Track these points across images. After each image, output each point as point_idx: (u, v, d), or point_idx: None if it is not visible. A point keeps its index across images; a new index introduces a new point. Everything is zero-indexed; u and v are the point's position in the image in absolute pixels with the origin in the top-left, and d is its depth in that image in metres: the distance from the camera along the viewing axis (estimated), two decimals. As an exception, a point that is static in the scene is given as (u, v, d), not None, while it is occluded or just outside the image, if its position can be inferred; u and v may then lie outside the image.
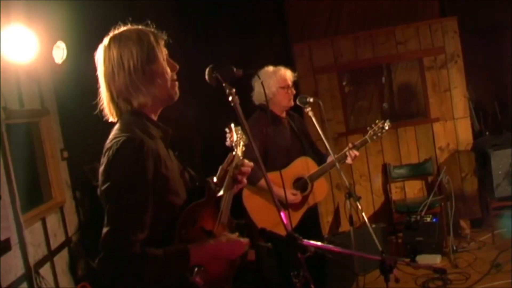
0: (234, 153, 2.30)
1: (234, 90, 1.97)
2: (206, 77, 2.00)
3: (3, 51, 3.86)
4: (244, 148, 2.32)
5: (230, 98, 1.97)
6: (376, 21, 6.43)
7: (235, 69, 2.00)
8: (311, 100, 3.85)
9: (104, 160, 1.80)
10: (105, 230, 1.70)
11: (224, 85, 1.97)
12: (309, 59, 6.27)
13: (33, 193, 4.93)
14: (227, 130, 2.43)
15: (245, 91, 2.90)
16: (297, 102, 3.92)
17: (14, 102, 4.52)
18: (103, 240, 1.69)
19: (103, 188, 1.77)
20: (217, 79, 1.97)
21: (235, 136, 2.37)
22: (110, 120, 1.96)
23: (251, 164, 2.26)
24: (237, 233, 2.04)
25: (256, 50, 5.91)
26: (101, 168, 1.81)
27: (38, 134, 5.15)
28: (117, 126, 1.91)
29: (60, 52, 4.28)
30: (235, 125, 2.38)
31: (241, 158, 2.27)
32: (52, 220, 5.00)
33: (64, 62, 4.30)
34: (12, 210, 4.11)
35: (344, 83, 6.51)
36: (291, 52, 6.29)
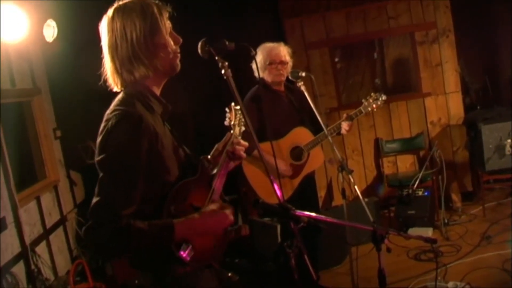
0: (231, 132, 2.32)
1: (226, 63, 2.00)
2: (199, 50, 2.02)
3: (-7, 30, 3.83)
4: (243, 128, 2.33)
5: (222, 71, 2.00)
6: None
7: (227, 43, 2.02)
8: (303, 74, 3.90)
9: (102, 131, 1.81)
10: (94, 200, 1.73)
11: (217, 58, 1.99)
12: (300, 35, 6.25)
13: (27, 172, 4.94)
14: (227, 110, 2.42)
15: (240, 69, 2.90)
16: (289, 77, 3.97)
17: (5, 82, 4.50)
18: (92, 209, 1.73)
19: (97, 159, 1.80)
20: (210, 52, 1.99)
21: (234, 116, 2.38)
22: (114, 90, 1.98)
23: (246, 144, 2.28)
24: (228, 208, 2.03)
25: (248, 27, 5.89)
26: (98, 139, 1.82)
27: (30, 113, 5.14)
28: (119, 96, 1.93)
29: (50, 31, 4.24)
30: (235, 105, 2.38)
31: (238, 137, 2.29)
32: (47, 199, 5.03)
33: (55, 40, 4.27)
34: (7, 189, 4.13)
35: (336, 59, 6.51)
36: (283, 28, 6.27)
